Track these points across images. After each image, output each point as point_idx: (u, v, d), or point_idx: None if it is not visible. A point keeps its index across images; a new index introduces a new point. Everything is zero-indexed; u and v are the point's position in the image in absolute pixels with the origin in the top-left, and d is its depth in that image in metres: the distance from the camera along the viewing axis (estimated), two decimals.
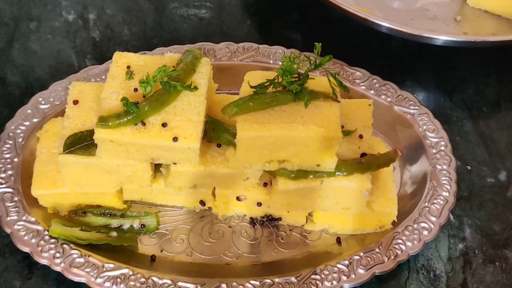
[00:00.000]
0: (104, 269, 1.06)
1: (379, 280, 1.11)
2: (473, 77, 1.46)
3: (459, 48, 1.47)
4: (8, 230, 1.10)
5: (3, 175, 1.16)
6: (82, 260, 1.07)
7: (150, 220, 1.16)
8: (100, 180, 1.11)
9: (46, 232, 1.10)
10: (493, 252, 1.17)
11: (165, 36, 1.53)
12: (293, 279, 1.07)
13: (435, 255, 1.16)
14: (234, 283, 1.06)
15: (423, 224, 1.12)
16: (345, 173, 1.06)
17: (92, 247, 1.10)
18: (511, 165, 1.29)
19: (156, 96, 1.04)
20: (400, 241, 1.11)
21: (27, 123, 1.23)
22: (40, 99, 1.27)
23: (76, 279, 1.06)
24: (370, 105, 1.16)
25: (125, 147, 1.04)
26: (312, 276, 1.07)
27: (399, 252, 1.09)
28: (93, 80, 1.30)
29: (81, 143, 1.07)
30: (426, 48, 1.48)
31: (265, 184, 1.13)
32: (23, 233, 1.09)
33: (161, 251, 1.13)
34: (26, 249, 1.08)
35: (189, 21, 1.57)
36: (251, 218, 1.17)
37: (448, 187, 1.17)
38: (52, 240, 1.09)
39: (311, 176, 1.06)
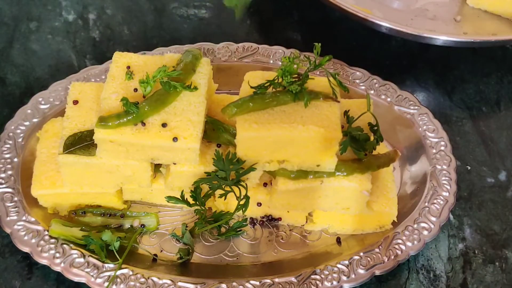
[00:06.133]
0: (104, 269, 1.06)
1: (379, 280, 1.11)
2: (473, 77, 1.46)
3: (459, 48, 1.47)
4: (8, 230, 1.10)
5: (3, 175, 1.16)
6: (82, 260, 1.07)
7: (150, 220, 1.16)
8: (100, 180, 1.11)
9: (46, 232, 1.10)
10: (493, 252, 1.17)
11: (165, 36, 1.53)
12: (293, 279, 1.07)
13: (435, 255, 1.16)
14: (234, 283, 1.06)
15: (423, 224, 1.12)
16: (345, 173, 1.06)
17: None
18: (511, 165, 1.29)
19: (156, 96, 1.04)
20: (400, 241, 1.11)
21: (27, 123, 1.23)
22: (40, 99, 1.27)
23: (76, 279, 1.06)
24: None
25: (125, 147, 1.04)
26: (312, 276, 1.07)
27: (399, 252, 1.09)
28: (93, 80, 1.30)
29: (81, 143, 1.07)
30: (426, 48, 1.48)
31: (265, 184, 1.13)
32: (23, 233, 1.09)
33: (161, 251, 1.13)
34: (26, 249, 1.08)
35: (189, 21, 1.57)
36: (251, 218, 1.17)
37: (448, 187, 1.17)
38: (52, 240, 1.09)
39: (311, 176, 1.06)
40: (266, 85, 1.04)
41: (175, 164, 1.08)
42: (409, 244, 1.10)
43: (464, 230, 1.19)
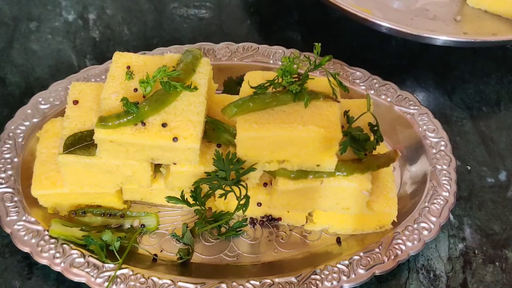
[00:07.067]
0: (104, 269, 1.06)
1: (379, 280, 1.11)
2: (473, 77, 1.46)
3: (459, 48, 1.47)
4: (8, 230, 1.10)
5: (3, 175, 1.16)
6: (82, 260, 1.07)
7: (150, 220, 1.16)
8: (100, 180, 1.11)
9: (46, 232, 1.10)
10: (493, 252, 1.17)
11: (165, 36, 1.53)
12: (293, 279, 1.07)
13: (435, 255, 1.16)
14: (234, 283, 1.06)
15: (423, 224, 1.12)
16: (345, 173, 1.06)
17: None
18: (511, 165, 1.29)
19: (156, 96, 1.04)
20: (400, 241, 1.11)
21: (27, 123, 1.23)
22: (40, 99, 1.27)
23: (76, 279, 1.06)
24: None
25: (125, 147, 1.04)
26: (312, 276, 1.07)
27: (399, 252, 1.09)
28: (93, 80, 1.30)
29: (81, 143, 1.07)
30: (426, 48, 1.48)
31: (265, 184, 1.13)
32: (23, 233, 1.09)
33: (161, 251, 1.13)
34: (26, 249, 1.08)
35: (189, 21, 1.57)
36: (251, 218, 1.17)
37: (448, 187, 1.17)
38: (52, 240, 1.09)
39: (311, 176, 1.06)
40: (266, 85, 1.04)
41: (175, 164, 1.08)
42: (409, 244, 1.10)
43: (464, 230, 1.19)
